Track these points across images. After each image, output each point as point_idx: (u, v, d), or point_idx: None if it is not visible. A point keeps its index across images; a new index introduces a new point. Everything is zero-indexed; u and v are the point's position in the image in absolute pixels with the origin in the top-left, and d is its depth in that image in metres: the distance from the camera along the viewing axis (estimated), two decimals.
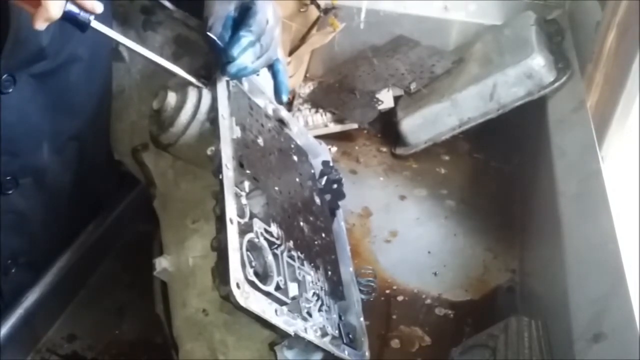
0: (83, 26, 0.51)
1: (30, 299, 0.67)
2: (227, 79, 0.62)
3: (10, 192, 0.63)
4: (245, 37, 0.60)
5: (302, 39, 1.15)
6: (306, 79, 1.22)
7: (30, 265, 0.69)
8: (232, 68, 0.60)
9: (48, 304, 0.69)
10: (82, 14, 0.50)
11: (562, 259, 0.64)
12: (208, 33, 0.61)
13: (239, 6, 0.63)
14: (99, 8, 0.51)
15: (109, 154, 0.77)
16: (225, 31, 0.61)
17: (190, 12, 0.71)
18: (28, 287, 0.67)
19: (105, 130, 0.75)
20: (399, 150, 1.06)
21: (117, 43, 0.71)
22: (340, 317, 0.64)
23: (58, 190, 0.71)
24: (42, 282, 0.69)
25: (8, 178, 0.63)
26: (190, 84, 0.61)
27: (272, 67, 0.67)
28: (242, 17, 0.62)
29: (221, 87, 0.61)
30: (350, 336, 0.63)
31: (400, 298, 0.78)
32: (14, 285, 0.67)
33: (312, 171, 0.77)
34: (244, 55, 0.60)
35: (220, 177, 0.51)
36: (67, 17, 0.49)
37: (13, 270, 0.67)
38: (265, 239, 0.54)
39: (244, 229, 0.51)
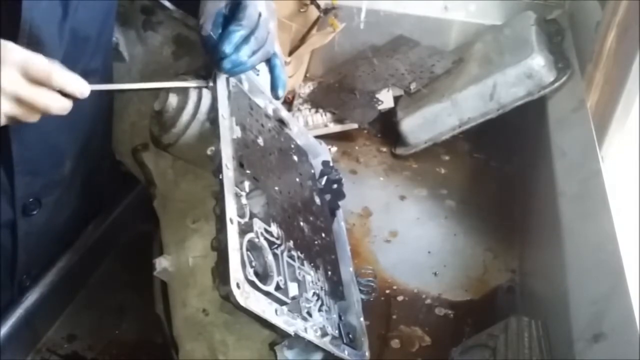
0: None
1: (30, 299, 0.67)
2: (226, 76, 0.61)
3: (34, 212, 0.64)
4: (237, 32, 0.58)
5: (302, 39, 1.15)
6: (306, 79, 1.22)
7: (40, 273, 0.69)
8: (227, 64, 0.58)
9: (48, 304, 0.69)
10: None
11: (562, 259, 0.64)
12: (200, 32, 0.60)
13: (229, 3, 0.61)
14: (86, 90, 0.51)
15: (112, 155, 0.77)
16: (216, 28, 0.60)
17: (190, 13, 0.71)
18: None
19: (110, 132, 0.75)
20: (399, 150, 1.06)
21: (117, 44, 0.71)
22: (340, 317, 0.64)
23: (75, 201, 0.71)
24: (42, 282, 0.69)
25: (31, 200, 0.63)
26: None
27: (269, 62, 0.66)
28: (233, 13, 0.60)
29: (221, 87, 0.61)
30: (350, 336, 0.63)
31: (400, 298, 0.78)
32: (23, 292, 0.68)
33: (312, 171, 0.77)
34: (240, 50, 0.59)
35: (220, 177, 0.51)
36: None
37: (27, 284, 0.68)
38: (265, 238, 0.54)
39: (244, 229, 0.51)
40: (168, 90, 0.61)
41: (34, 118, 0.50)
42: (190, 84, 0.60)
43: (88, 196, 0.74)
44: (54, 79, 0.48)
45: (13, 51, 0.47)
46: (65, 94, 0.50)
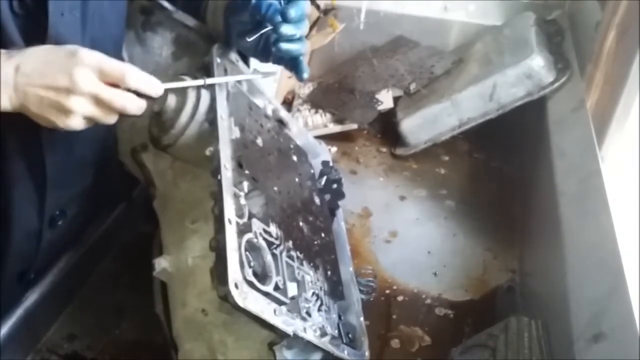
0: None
1: (30, 299, 0.67)
2: (224, 76, 0.61)
3: (59, 223, 0.65)
4: (302, 6, 0.59)
5: None
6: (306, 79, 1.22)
7: (42, 274, 0.70)
8: (287, 29, 0.59)
9: (48, 304, 0.69)
10: None
11: (562, 259, 0.64)
12: None
13: None
14: (160, 89, 0.54)
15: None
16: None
17: (190, 13, 0.71)
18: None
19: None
20: (399, 151, 1.06)
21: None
22: (339, 316, 0.64)
23: (94, 209, 0.73)
24: (42, 282, 0.69)
25: (57, 213, 0.64)
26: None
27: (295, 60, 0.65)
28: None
29: (220, 87, 0.61)
30: (350, 336, 0.63)
31: (400, 298, 0.78)
32: (25, 291, 0.68)
33: (312, 171, 0.77)
34: (300, 23, 0.59)
35: (219, 177, 0.51)
36: None
37: (31, 280, 0.69)
38: (264, 239, 0.54)
39: (243, 229, 0.51)
40: (167, 91, 0.61)
41: (111, 119, 0.51)
42: (187, 83, 0.60)
43: (106, 202, 0.75)
44: (127, 79, 0.50)
45: (87, 54, 0.48)
46: (139, 94, 0.51)
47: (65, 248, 0.72)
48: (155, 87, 0.53)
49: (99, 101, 0.49)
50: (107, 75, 0.49)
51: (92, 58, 0.48)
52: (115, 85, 0.50)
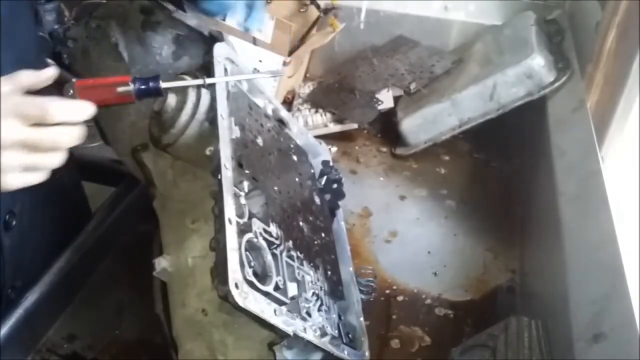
0: (158, 92, 0.53)
1: (30, 299, 0.67)
2: (224, 75, 0.61)
3: (13, 224, 0.64)
4: None
5: (302, 39, 1.15)
6: (306, 79, 1.22)
7: (25, 285, 0.69)
8: None
9: (48, 304, 0.69)
10: (152, 84, 0.52)
11: (562, 259, 0.64)
12: None
13: None
14: (91, 109, 0.49)
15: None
16: None
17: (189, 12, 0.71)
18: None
19: None
20: (399, 150, 1.06)
21: (117, 44, 0.71)
22: (340, 317, 0.64)
23: (45, 202, 0.71)
24: (42, 282, 0.69)
25: (7, 217, 0.63)
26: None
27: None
28: None
29: (220, 86, 0.61)
30: (350, 336, 0.63)
31: (400, 298, 0.78)
32: (8, 304, 0.68)
33: (312, 171, 0.77)
34: None
35: (219, 177, 0.51)
36: (142, 94, 0.52)
37: (12, 295, 0.68)
38: (265, 238, 0.54)
39: (243, 229, 0.51)
40: (167, 90, 0.61)
41: (53, 161, 0.47)
42: (187, 82, 0.60)
43: (56, 195, 0.73)
44: (50, 116, 0.45)
45: (6, 98, 0.44)
46: None
47: (39, 251, 0.71)
48: (86, 110, 0.47)
49: (27, 146, 0.44)
50: (29, 118, 0.44)
51: (9, 101, 0.43)
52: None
